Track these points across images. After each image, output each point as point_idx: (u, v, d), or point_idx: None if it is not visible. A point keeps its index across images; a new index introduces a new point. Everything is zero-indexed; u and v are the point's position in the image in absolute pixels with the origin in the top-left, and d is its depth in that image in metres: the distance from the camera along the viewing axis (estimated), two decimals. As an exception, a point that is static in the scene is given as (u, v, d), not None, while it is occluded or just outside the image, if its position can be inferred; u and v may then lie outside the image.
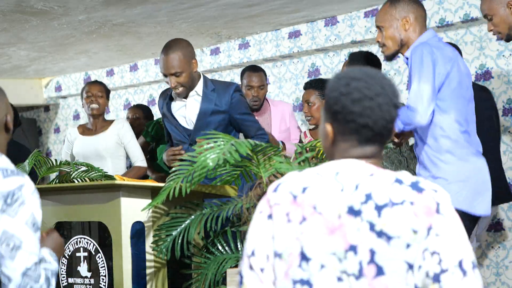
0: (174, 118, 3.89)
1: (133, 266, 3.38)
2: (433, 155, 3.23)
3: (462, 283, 1.54)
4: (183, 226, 3.28)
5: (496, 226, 5.02)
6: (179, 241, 3.24)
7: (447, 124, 3.21)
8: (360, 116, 1.64)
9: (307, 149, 3.21)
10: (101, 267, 3.44)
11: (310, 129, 4.85)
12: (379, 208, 1.58)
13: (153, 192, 3.38)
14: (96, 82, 5.00)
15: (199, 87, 3.81)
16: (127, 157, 4.82)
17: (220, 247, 3.30)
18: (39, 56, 6.68)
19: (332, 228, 1.60)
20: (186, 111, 3.84)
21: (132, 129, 4.89)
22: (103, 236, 3.47)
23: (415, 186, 1.61)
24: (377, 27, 3.43)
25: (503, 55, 5.02)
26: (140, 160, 4.70)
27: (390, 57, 3.41)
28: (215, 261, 3.22)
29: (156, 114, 6.23)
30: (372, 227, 1.58)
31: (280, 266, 1.66)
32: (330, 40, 5.70)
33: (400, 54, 3.48)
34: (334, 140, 1.71)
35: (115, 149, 4.68)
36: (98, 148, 4.66)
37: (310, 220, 1.63)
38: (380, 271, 1.56)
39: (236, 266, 3.13)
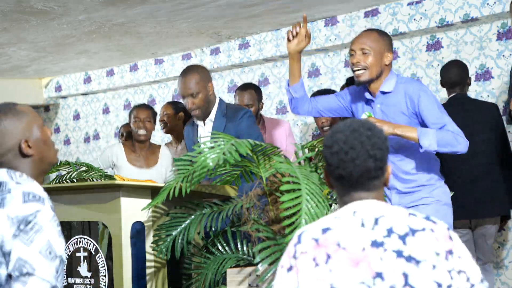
0: (194, 143, 3.93)
1: (133, 266, 3.38)
2: (427, 179, 3.44)
3: None
4: (183, 226, 3.28)
5: (496, 226, 5.01)
6: (179, 241, 3.24)
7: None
8: (336, 168, 1.82)
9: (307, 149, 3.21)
10: (101, 267, 3.44)
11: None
12: (402, 238, 1.76)
13: (153, 192, 3.38)
14: (144, 106, 4.95)
15: (213, 112, 3.89)
16: None
17: (220, 247, 3.30)
18: (39, 56, 6.68)
19: (356, 260, 1.74)
20: (201, 138, 3.90)
21: (166, 126, 5.08)
22: (103, 236, 3.47)
23: (428, 218, 1.82)
24: (361, 49, 3.40)
25: (503, 55, 5.02)
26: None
27: (364, 83, 3.42)
28: (215, 261, 3.22)
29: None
30: (399, 254, 1.73)
31: None
32: (330, 40, 5.70)
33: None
34: (330, 184, 1.90)
35: (163, 181, 4.75)
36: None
37: (334, 257, 1.75)
38: None
39: (236, 266, 3.13)
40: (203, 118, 3.90)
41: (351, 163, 1.79)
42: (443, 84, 4.61)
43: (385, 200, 1.99)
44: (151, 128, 4.83)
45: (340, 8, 5.44)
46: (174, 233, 3.27)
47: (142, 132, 4.77)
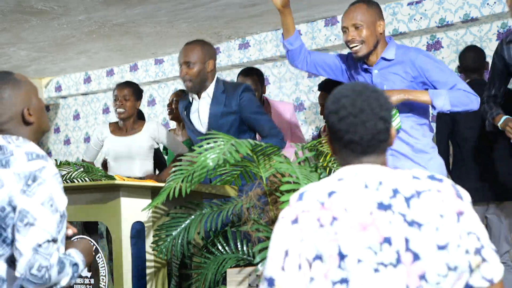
0: (190, 121, 3.89)
1: (133, 266, 3.38)
2: (423, 145, 3.42)
3: (496, 257, 1.75)
4: (183, 226, 3.28)
5: (496, 226, 5.01)
6: (179, 241, 3.24)
7: (428, 122, 3.46)
8: (346, 133, 1.77)
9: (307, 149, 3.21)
10: (101, 267, 3.44)
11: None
12: (407, 200, 1.70)
13: (153, 192, 3.38)
14: (124, 84, 4.77)
15: (211, 89, 3.82)
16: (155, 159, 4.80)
17: (220, 247, 3.30)
18: (39, 56, 6.69)
19: (364, 224, 1.69)
20: (199, 114, 3.85)
21: (172, 112, 5.09)
22: (103, 236, 3.47)
23: (433, 178, 1.76)
24: (353, 25, 3.38)
25: (503, 55, 5.02)
26: (179, 149, 4.71)
27: (363, 57, 3.41)
28: (215, 261, 3.22)
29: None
30: (404, 217, 1.69)
31: (319, 268, 1.70)
32: (330, 40, 5.70)
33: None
34: (334, 150, 1.84)
35: (146, 152, 4.64)
36: (130, 149, 4.62)
37: (341, 220, 1.70)
38: (416, 257, 1.67)
39: (236, 266, 3.13)
40: (194, 91, 3.84)
41: (361, 126, 1.74)
42: (461, 70, 4.60)
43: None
44: (131, 105, 4.63)
45: (340, 8, 5.44)
46: (174, 233, 3.27)
47: (120, 110, 4.61)
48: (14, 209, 2.08)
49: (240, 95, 3.77)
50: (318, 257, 1.70)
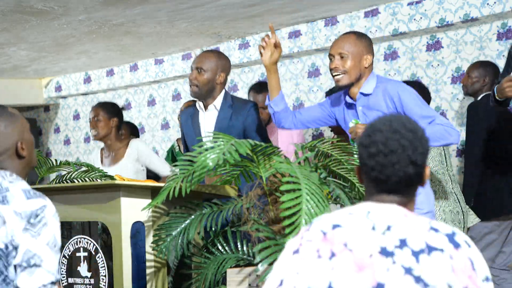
0: (194, 130, 3.88)
1: (133, 266, 3.38)
2: None
3: None
4: (183, 226, 3.27)
5: (496, 226, 5.01)
6: (179, 241, 3.24)
7: None
8: (372, 170, 1.71)
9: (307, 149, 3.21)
10: (101, 267, 3.44)
11: None
12: (416, 254, 1.62)
13: (153, 192, 3.38)
14: (95, 106, 4.76)
15: (218, 101, 3.82)
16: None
17: (220, 247, 3.29)
18: (39, 56, 6.68)
19: (361, 265, 1.63)
20: (204, 124, 3.85)
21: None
22: (103, 236, 3.47)
23: (451, 239, 1.65)
24: (339, 54, 3.39)
25: (503, 55, 5.02)
26: (165, 172, 4.63)
27: (343, 87, 3.42)
28: (215, 261, 3.22)
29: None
30: (409, 271, 1.60)
31: None
32: (330, 40, 5.70)
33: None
34: (360, 180, 1.79)
35: (136, 175, 4.61)
36: None
37: (339, 256, 1.65)
38: None
39: (236, 266, 3.13)
40: (197, 97, 3.84)
41: (390, 168, 1.68)
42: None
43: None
44: (103, 126, 4.62)
45: (340, 8, 5.44)
46: (174, 233, 3.27)
47: (92, 132, 4.66)
48: (14, 248, 2.08)
49: (247, 112, 3.78)
50: None
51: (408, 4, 5.29)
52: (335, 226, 1.68)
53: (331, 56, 3.44)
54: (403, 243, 1.62)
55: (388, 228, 1.65)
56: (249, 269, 2.96)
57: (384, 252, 1.62)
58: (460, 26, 5.17)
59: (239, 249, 3.26)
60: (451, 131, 3.28)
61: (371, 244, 1.64)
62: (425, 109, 3.34)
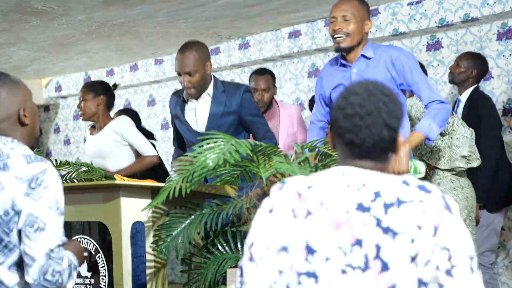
0: (186, 120, 3.87)
1: (133, 266, 3.38)
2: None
3: (471, 279, 1.61)
4: (183, 226, 3.27)
5: (496, 226, 5.01)
6: (179, 241, 3.24)
7: None
8: (347, 132, 1.69)
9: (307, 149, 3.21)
10: (101, 267, 3.44)
11: None
12: (386, 206, 1.62)
13: (153, 192, 3.38)
14: (83, 86, 4.71)
15: (210, 88, 3.81)
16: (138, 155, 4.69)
17: (220, 247, 3.30)
18: (39, 56, 6.68)
19: (338, 222, 1.63)
20: (197, 113, 3.83)
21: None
22: (103, 236, 3.47)
23: (422, 188, 1.66)
24: (342, 16, 3.39)
25: (503, 55, 5.02)
26: (146, 152, 4.50)
27: (344, 49, 3.41)
28: (215, 261, 3.22)
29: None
30: (378, 223, 1.61)
31: (285, 259, 1.67)
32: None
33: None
34: (334, 144, 1.78)
35: (113, 149, 4.53)
36: (98, 147, 4.58)
37: (316, 215, 1.65)
38: (385, 267, 1.60)
39: (236, 266, 3.13)
40: (197, 96, 3.84)
41: (366, 130, 1.67)
42: (475, 77, 4.66)
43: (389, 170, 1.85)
44: (88, 105, 4.58)
45: (340, 8, 5.44)
46: (174, 233, 3.27)
47: (80, 112, 4.64)
48: (17, 213, 2.07)
49: (241, 95, 3.77)
50: (284, 249, 1.67)
51: (408, 4, 5.29)
52: (310, 187, 1.69)
53: (333, 19, 3.42)
54: (377, 195, 1.63)
55: (363, 185, 1.66)
56: (249, 269, 2.96)
57: (361, 208, 1.63)
58: (460, 26, 5.17)
59: (239, 249, 3.26)
60: (448, 106, 3.34)
61: (347, 201, 1.64)
62: (424, 78, 3.37)
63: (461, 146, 3.97)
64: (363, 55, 3.42)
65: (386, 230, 1.60)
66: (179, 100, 3.90)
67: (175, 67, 3.80)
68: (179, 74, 3.76)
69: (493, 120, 4.46)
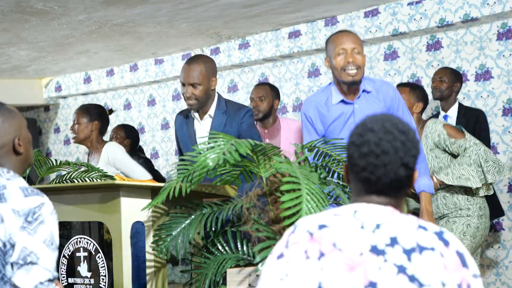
0: (188, 139, 3.86)
1: (133, 266, 3.38)
2: None
3: None
4: (183, 226, 3.27)
5: (496, 226, 5.02)
6: (179, 241, 3.24)
7: None
8: (363, 170, 1.67)
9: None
10: (101, 267, 3.44)
11: None
12: (407, 252, 1.60)
13: (153, 192, 3.38)
14: (78, 108, 4.65)
15: (212, 109, 3.79)
16: None
17: (220, 247, 3.29)
18: (39, 56, 6.68)
19: (352, 264, 1.60)
20: (197, 134, 3.83)
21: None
22: (103, 236, 3.47)
23: (440, 237, 1.64)
24: (353, 49, 3.36)
25: (503, 55, 5.02)
26: (141, 178, 4.38)
27: (357, 83, 3.39)
28: (215, 261, 3.22)
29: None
30: (402, 270, 1.58)
31: None
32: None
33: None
34: (348, 179, 1.75)
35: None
36: None
37: (329, 257, 1.62)
38: None
39: (236, 266, 3.13)
40: (198, 109, 3.83)
41: (382, 169, 1.65)
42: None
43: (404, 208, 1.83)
44: (82, 128, 4.52)
45: (340, 8, 5.44)
46: (174, 233, 3.27)
47: (72, 136, 4.61)
48: (12, 246, 2.08)
49: (241, 118, 3.75)
50: None
51: (408, 4, 5.29)
52: (321, 227, 1.66)
53: (342, 50, 3.36)
54: (394, 241, 1.60)
55: (378, 226, 1.63)
56: (249, 269, 2.96)
57: (375, 251, 1.60)
58: (460, 26, 5.17)
59: (239, 249, 3.26)
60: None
61: (361, 242, 1.61)
62: (411, 118, 3.59)
63: (473, 163, 4.05)
64: (364, 90, 3.42)
65: (413, 279, 1.57)
66: (184, 119, 3.89)
67: (180, 78, 3.80)
68: (183, 85, 3.75)
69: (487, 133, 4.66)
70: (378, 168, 1.65)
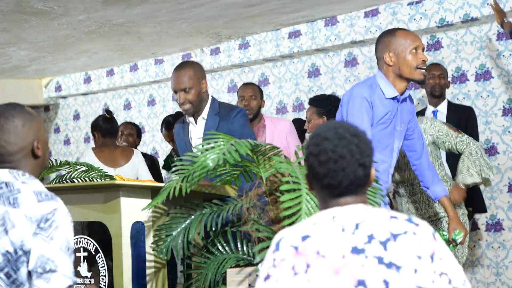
0: (185, 143, 3.88)
1: (133, 266, 3.38)
2: None
3: None
4: (183, 226, 3.27)
5: (496, 226, 5.02)
6: (179, 241, 3.24)
7: None
8: (325, 177, 1.78)
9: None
10: (101, 267, 3.44)
11: None
12: (383, 243, 1.70)
13: (153, 192, 3.38)
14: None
15: (205, 112, 3.81)
16: None
17: (220, 247, 3.29)
18: (39, 56, 6.69)
19: (337, 268, 1.69)
20: (192, 137, 3.84)
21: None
22: (103, 236, 3.47)
23: (410, 221, 1.76)
24: (423, 49, 3.38)
25: (503, 55, 5.02)
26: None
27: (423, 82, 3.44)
28: (215, 261, 3.22)
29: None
30: (380, 260, 1.69)
31: None
32: (330, 40, 5.70)
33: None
34: (311, 187, 1.86)
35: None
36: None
37: (314, 266, 1.70)
38: None
39: (236, 266, 3.13)
40: (193, 114, 3.84)
41: (341, 172, 1.77)
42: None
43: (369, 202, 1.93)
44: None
45: (340, 8, 5.44)
46: (174, 233, 3.27)
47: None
48: (25, 253, 2.05)
49: (232, 118, 3.75)
50: None
51: (408, 4, 5.30)
52: (304, 238, 1.74)
53: (419, 48, 3.31)
54: (370, 238, 1.71)
55: (357, 226, 1.73)
56: (249, 269, 2.96)
57: (356, 251, 1.69)
58: (460, 26, 5.17)
59: (239, 249, 3.26)
60: None
61: (342, 246, 1.70)
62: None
63: (476, 160, 4.05)
64: (405, 97, 3.42)
65: (390, 265, 1.68)
66: (181, 126, 3.92)
67: (171, 86, 3.83)
68: (175, 92, 3.78)
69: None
70: (338, 172, 1.77)
